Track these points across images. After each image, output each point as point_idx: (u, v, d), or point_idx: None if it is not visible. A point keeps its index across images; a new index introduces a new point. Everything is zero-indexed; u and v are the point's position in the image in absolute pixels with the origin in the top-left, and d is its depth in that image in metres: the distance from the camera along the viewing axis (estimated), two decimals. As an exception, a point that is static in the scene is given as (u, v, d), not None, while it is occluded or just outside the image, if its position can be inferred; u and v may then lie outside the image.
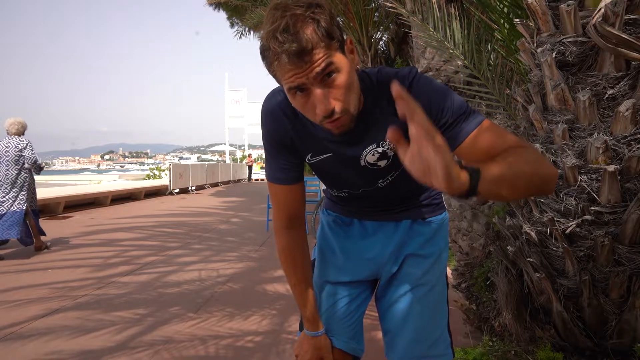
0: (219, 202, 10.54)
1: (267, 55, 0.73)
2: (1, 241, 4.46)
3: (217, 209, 9.08)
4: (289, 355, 2.18)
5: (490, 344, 1.84)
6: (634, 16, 1.36)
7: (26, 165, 4.33)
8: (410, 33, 3.82)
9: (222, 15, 11.23)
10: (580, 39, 1.45)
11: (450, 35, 2.49)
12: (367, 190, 1.02)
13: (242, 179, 21.87)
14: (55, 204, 7.72)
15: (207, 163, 17.37)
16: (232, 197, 12.06)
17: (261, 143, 1.01)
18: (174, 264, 4.09)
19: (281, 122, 0.93)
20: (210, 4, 9.82)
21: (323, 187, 1.16)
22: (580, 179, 1.46)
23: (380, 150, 0.91)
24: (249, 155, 25.10)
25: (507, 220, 1.82)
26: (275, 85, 0.86)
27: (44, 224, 5.15)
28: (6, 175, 4.22)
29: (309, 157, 0.98)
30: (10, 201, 4.23)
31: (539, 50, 1.57)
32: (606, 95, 1.42)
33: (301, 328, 1.13)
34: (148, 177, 17.73)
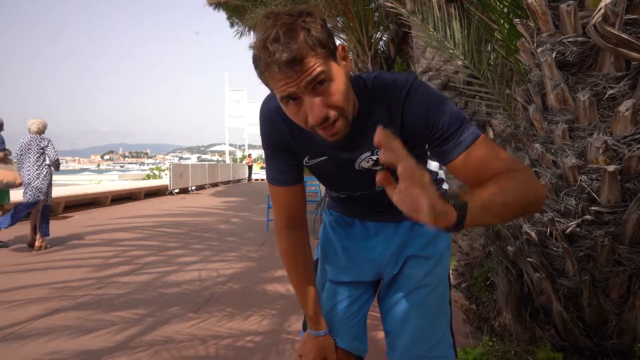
0: (219, 202, 10.54)
1: (259, 65, 0.74)
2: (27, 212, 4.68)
3: (217, 209, 9.08)
4: (289, 355, 2.18)
5: (490, 344, 1.84)
6: (634, 16, 1.36)
7: (47, 162, 4.63)
8: (410, 33, 3.82)
9: (222, 15, 11.22)
10: (580, 39, 1.45)
11: (450, 35, 2.49)
12: (365, 193, 1.03)
13: (242, 179, 21.87)
14: (56, 204, 7.71)
15: (207, 163, 17.37)
16: (232, 197, 12.07)
17: (261, 143, 1.01)
18: (174, 264, 4.09)
19: (278, 125, 0.93)
20: (210, 4, 9.82)
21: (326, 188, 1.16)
22: (580, 179, 1.46)
23: (374, 158, 0.91)
24: (249, 155, 25.09)
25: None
26: None
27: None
28: (28, 171, 4.51)
29: (306, 159, 0.98)
30: (30, 194, 4.55)
31: (539, 50, 1.57)
32: (606, 95, 1.42)
33: (305, 328, 1.13)
34: (148, 177, 17.73)
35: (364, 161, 0.92)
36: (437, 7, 2.48)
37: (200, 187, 14.60)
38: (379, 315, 1.14)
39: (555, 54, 1.49)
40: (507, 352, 1.74)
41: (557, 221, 1.51)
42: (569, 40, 1.47)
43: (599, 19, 1.34)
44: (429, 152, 0.99)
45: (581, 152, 1.47)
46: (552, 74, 1.51)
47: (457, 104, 3.10)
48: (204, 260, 4.27)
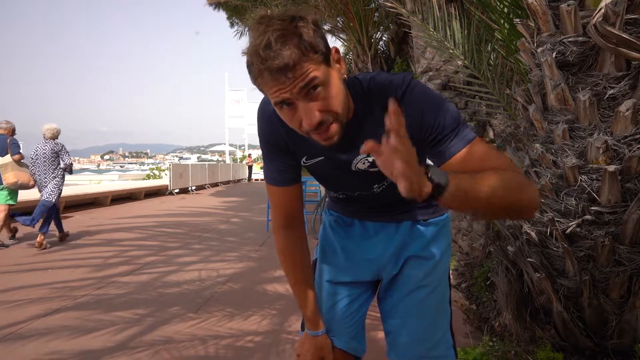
0: (219, 202, 10.53)
1: (252, 71, 0.74)
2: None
3: (217, 209, 9.08)
4: (289, 355, 2.18)
5: (490, 344, 1.84)
6: (635, 16, 1.36)
7: (62, 166, 4.95)
8: (410, 33, 3.82)
9: (222, 15, 11.22)
10: (580, 38, 1.45)
11: (450, 35, 2.49)
12: (363, 194, 1.03)
13: (242, 179, 21.87)
14: (55, 204, 7.72)
15: (207, 163, 17.36)
16: (232, 197, 12.06)
17: (259, 143, 1.01)
18: (174, 264, 4.09)
19: (276, 126, 0.93)
20: (210, 4, 9.82)
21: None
22: (581, 179, 1.46)
23: (370, 159, 0.91)
24: (249, 155, 25.07)
25: (507, 220, 1.82)
26: None
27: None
28: (44, 174, 4.82)
29: (304, 159, 0.98)
30: (45, 195, 4.83)
31: (539, 50, 1.57)
32: (606, 95, 1.42)
33: (303, 328, 1.13)
34: (148, 177, 17.73)
35: (360, 162, 0.92)
36: (437, 7, 2.48)
37: (200, 187, 14.60)
38: (378, 315, 1.14)
39: (556, 53, 1.48)
40: (507, 352, 1.74)
41: (557, 221, 1.51)
42: (569, 40, 1.46)
43: (600, 19, 1.34)
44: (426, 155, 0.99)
45: (581, 152, 1.47)
46: (552, 74, 1.51)
47: (457, 104, 3.10)
48: (204, 260, 4.27)
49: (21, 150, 4.86)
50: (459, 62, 2.59)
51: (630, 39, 1.30)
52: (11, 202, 4.80)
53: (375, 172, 0.94)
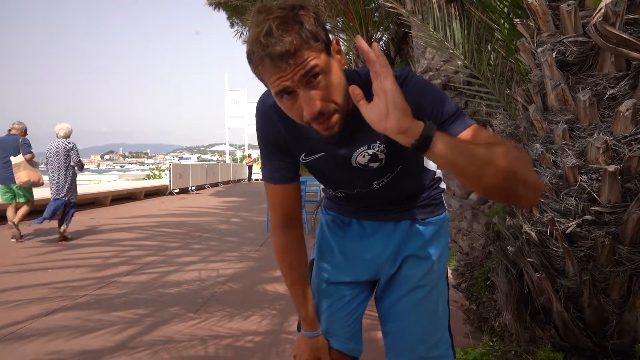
0: (219, 202, 10.53)
1: (252, 59, 0.73)
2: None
3: (217, 209, 9.08)
4: (289, 355, 2.18)
5: (491, 344, 1.84)
6: (635, 16, 1.36)
7: (72, 164, 5.21)
8: (410, 33, 3.82)
9: (222, 15, 11.23)
10: (580, 38, 1.45)
11: (450, 35, 2.49)
12: (362, 191, 1.02)
13: (242, 179, 21.87)
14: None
15: (207, 163, 17.36)
16: (232, 197, 12.06)
17: (257, 141, 1.01)
18: (174, 264, 4.09)
19: (274, 123, 0.93)
20: (210, 4, 9.82)
21: (323, 186, 1.16)
22: (581, 179, 1.46)
23: (370, 152, 0.91)
24: (249, 155, 25.07)
25: (507, 220, 1.82)
26: None
27: (45, 224, 5.28)
28: (58, 171, 5.09)
29: (302, 156, 0.98)
30: (59, 192, 5.11)
31: (539, 50, 1.57)
32: (606, 95, 1.42)
33: (299, 329, 1.13)
34: (148, 177, 17.72)
35: (360, 156, 0.91)
36: (437, 7, 2.48)
37: (200, 187, 14.60)
38: (376, 315, 1.13)
39: (556, 53, 1.48)
40: (507, 352, 1.74)
41: (557, 221, 1.51)
42: (569, 40, 1.46)
43: (600, 19, 1.34)
44: None
45: (581, 152, 1.47)
46: (552, 74, 1.51)
47: (457, 104, 3.10)
48: (204, 260, 4.27)
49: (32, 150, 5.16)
50: (459, 62, 2.59)
51: (630, 39, 1.30)
52: (30, 198, 5.25)
53: (375, 168, 0.93)
